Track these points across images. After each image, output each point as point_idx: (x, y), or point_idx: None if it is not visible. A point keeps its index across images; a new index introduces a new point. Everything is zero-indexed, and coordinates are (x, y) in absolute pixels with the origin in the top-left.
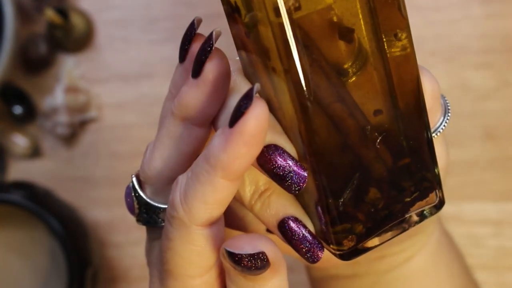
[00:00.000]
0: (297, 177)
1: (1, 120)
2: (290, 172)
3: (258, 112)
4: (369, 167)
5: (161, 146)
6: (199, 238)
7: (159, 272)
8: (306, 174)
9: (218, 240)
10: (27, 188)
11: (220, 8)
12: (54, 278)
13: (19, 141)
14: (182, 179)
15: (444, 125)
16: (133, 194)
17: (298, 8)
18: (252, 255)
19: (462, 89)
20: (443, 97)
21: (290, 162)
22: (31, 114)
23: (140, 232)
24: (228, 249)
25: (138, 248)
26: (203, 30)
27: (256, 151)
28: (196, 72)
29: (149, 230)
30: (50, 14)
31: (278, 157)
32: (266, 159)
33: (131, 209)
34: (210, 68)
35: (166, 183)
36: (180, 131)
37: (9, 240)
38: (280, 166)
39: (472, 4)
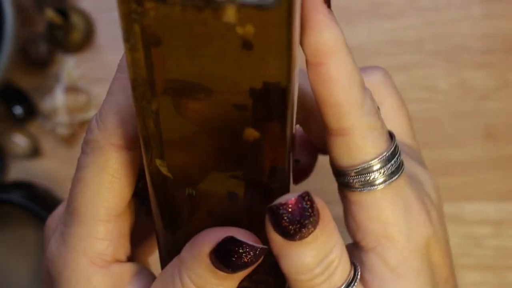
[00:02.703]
0: None
1: (1, 120)
2: None
3: None
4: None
5: None
6: (113, 161)
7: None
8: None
9: (132, 174)
10: (27, 188)
11: None
12: None
13: (19, 141)
14: None
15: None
16: None
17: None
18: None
19: (462, 89)
20: None
21: None
22: (31, 114)
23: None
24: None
25: None
26: None
27: None
28: None
29: None
30: (50, 14)
31: None
32: None
33: None
34: None
35: None
36: None
37: (9, 240)
38: None
39: (472, 4)
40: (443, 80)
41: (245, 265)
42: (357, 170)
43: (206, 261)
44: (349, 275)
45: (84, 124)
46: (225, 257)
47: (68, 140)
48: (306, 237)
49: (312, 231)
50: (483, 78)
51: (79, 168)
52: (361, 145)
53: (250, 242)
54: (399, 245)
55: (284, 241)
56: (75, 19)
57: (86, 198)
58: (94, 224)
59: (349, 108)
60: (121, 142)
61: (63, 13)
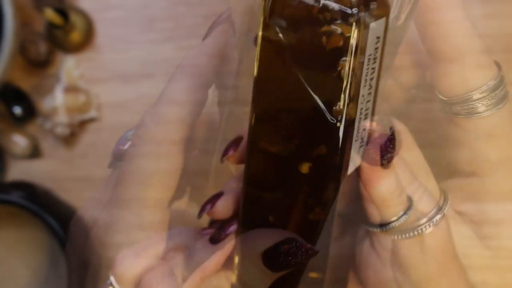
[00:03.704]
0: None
1: (1, 120)
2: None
3: None
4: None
5: None
6: (167, 154)
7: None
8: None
9: (181, 169)
10: (27, 188)
11: (220, 8)
12: (54, 278)
13: (19, 141)
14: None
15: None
16: None
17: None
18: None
19: None
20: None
21: None
22: (31, 114)
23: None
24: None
25: None
26: (203, 30)
27: None
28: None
29: None
30: (49, 13)
31: None
32: None
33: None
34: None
35: None
36: None
37: (9, 240)
38: None
39: (472, 4)
40: None
41: (296, 265)
42: (476, 92)
43: (258, 259)
44: (438, 201)
45: (84, 124)
46: (278, 257)
47: (68, 140)
48: (388, 164)
49: (392, 158)
50: None
51: (130, 159)
52: (477, 65)
53: (309, 244)
54: None
55: (370, 169)
56: (75, 19)
57: (137, 188)
58: (141, 214)
59: (463, 33)
60: (177, 138)
61: (62, 12)
